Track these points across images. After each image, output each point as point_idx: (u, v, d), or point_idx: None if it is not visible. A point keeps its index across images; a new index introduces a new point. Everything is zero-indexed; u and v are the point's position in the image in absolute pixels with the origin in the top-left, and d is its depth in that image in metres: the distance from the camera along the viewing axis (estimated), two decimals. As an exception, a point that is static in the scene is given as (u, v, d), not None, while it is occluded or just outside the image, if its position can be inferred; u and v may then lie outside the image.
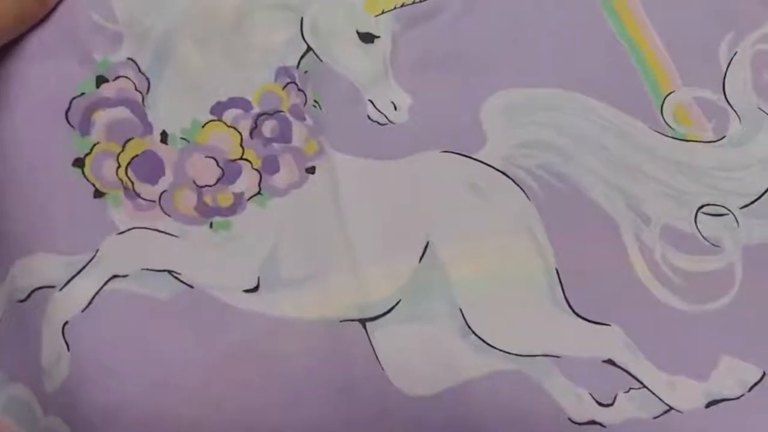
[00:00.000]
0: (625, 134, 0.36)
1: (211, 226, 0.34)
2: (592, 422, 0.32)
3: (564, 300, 0.34)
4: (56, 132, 0.34)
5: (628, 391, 0.33)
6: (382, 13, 0.36)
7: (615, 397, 0.33)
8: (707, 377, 0.33)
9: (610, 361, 0.33)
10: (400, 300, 0.33)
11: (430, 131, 0.35)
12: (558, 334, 0.34)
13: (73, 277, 0.33)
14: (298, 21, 0.36)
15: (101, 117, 0.34)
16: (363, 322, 0.33)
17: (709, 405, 0.33)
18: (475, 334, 0.33)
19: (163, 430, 0.32)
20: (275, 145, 0.35)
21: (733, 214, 0.35)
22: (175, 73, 0.35)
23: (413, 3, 0.37)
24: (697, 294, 0.34)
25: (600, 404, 0.33)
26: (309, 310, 0.33)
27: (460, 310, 0.33)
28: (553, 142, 0.35)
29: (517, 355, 0.33)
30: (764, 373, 0.33)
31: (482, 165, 0.35)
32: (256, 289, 0.34)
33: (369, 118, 0.35)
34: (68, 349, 0.32)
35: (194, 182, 0.34)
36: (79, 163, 0.34)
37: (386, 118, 0.35)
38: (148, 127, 0.35)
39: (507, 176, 0.35)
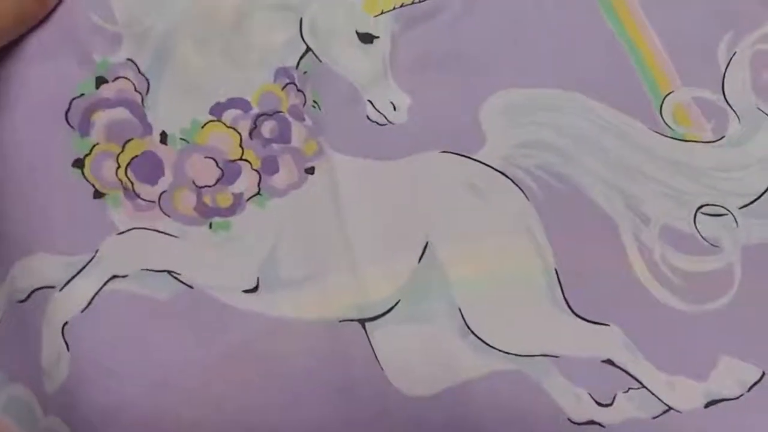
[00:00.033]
0: (624, 135, 0.36)
1: (210, 226, 0.34)
2: (591, 422, 0.32)
3: (563, 300, 0.34)
4: (56, 133, 0.34)
5: (627, 391, 0.33)
6: (382, 13, 0.36)
7: (614, 397, 0.33)
8: (706, 377, 0.33)
9: (609, 361, 0.33)
10: (399, 300, 0.33)
11: (429, 131, 0.35)
12: (557, 334, 0.34)
13: (72, 278, 0.33)
14: (298, 21, 0.36)
15: (101, 118, 0.34)
16: (362, 322, 0.33)
17: (708, 405, 0.33)
18: (474, 334, 0.33)
19: (163, 430, 0.32)
20: (274, 145, 0.35)
21: (732, 214, 0.35)
22: (174, 74, 0.35)
23: (412, 3, 0.37)
24: (696, 294, 0.34)
25: (599, 404, 0.33)
26: (308, 311, 0.33)
27: (459, 310, 0.33)
28: (553, 143, 0.35)
29: (516, 355, 0.33)
30: (763, 373, 0.33)
31: (481, 165, 0.35)
32: (255, 289, 0.34)
33: (368, 118, 0.36)
34: (68, 349, 0.32)
35: (194, 183, 0.34)
36: (78, 163, 0.34)
37: (385, 118, 0.36)
38: (147, 128, 0.35)
39: (506, 176, 0.35)
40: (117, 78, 0.35)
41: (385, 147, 0.35)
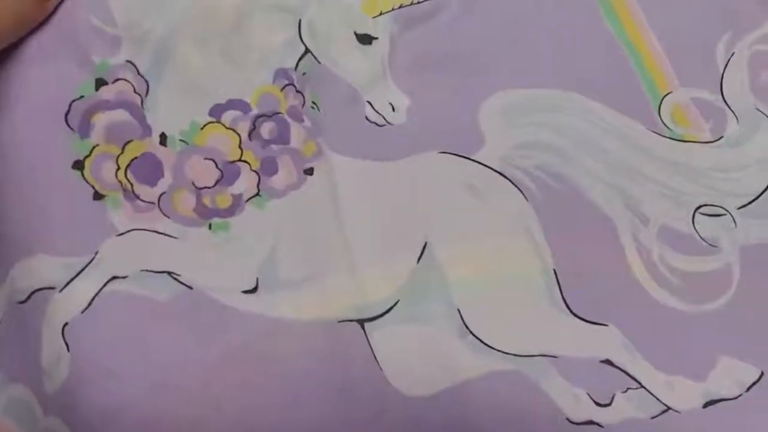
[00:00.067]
0: (623, 135, 0.36)
1: (210, 227, 0.34)
2: (590, 422, 0.32)
3: (562, 300, 0.34)
4: (56, 134, 0.34)
5: (625, 391, 0.33)
6: (380, 14, 0.36)
7: (613, 397, 0.33)
8: (705, 377, 0.33)
9: (608, 362, 0.33)
10: (398, 301, 0.34)
11: (428, 132, 0.35)
12: (556, 335, 0.34)
13: (72, 279, 0.33)
14: (296, 23, 0.36)
15: (100, 119, 0.35)
16: (361, 322, 0.33)
17: (707, 405, 0.33)
18: (473, 335, 0.33)
19: (163, 431, 0.32)
20: (274, 146, 0.35)
21: (730, 214, 0.35)
22: (174, 75, 0.35)
23: (411, 4, 0.37)
24: (694, 294, 0.34)
25: (598, 404, 0.33)
26: (307, 311, 0.33)
27: (458, 310, 0.33)
28: (552, 143, 0.36)
29: (514, 355, 0.33)
30: (762, 373, 0.33)
31: (480, 166, 0.35)
32: (254, 290, 0.34)
33: (367, 119, 0.36)
34: (68, 350, 0.32)
35: (193, 184, 0.34)
36: (78, 165, 0.34)
37: (384, 119, 0.36)
38: (147, 130, 0.35)
39: (505, 177, 0.35)
40: (116, 80, 0.35)
41: (384, 148, 0.35)
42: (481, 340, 0.33)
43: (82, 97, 0.35)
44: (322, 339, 0.33)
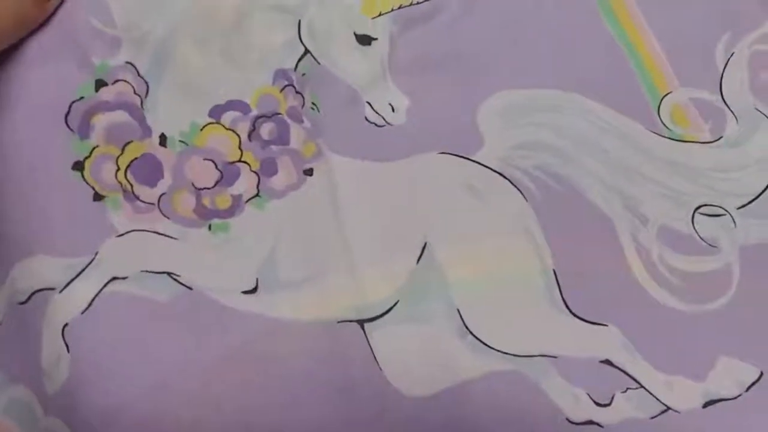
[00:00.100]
0: (623, 136, 0.36)
1: (209, 228, 0.34)
2: (590, 422, 0.32)
3: (561, 301, 0.34)
4: (56, 136, 0.34)
5: (625, 391, 0.33)
6: (380, 15, 0.36)
7: (612, 397, 0.33)
8: (705, 377, 0.33)
9: (608, 362, 0.33)
10: (397, 301, 0.34)
11: (427, 133, 0.35)
12: (555, 335, 0.34)
13: (72, 280, 0.33)
14: (296, 24, 0.36)
15: (100, 120, 0.35)
16: (361, 323, 0.33)
17: (706, 405, 0.33)
18: (473, 335, 0.33)
19: (163, 431, 0.32)
20: (273, 147, 0.35)
21: (730, 214, 0.35)
22: (174, 76, 0.35)
23: (411, 5, 0.37)
24: (694, 294, 0.34)
25: (597, 404, 0.33)
26: (307, 312, 0.33)
27: (458, 310, 0.34)
28: (552, 144, 0.36)
29: (514, 355, 0.33)
30: (762, 373, 0.33)
31: (479, 166, 0.35)
32: (254, 290, 0.34)
33: (367, 120, 0.36)
34: (68, 350, 0.32)
35: (193, 185, 0.35)
36: (78, 166, 0.34)
37: (384, 120, 0.36)
38: (146, 131, 0.35)
39: (504, 177, 0.35)
40: (116, 81, 0.35)
41: (383, 148, 0.35)
42: (480, 341, 0.33)
43: (82, 98, 0.35)
44: (321, 339, 0.33)
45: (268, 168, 0.35)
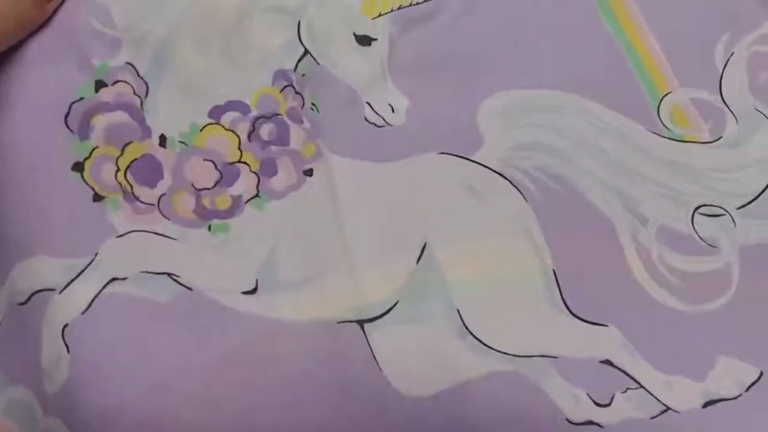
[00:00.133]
0: (622, 136, 0.36)
1: (209, 228, 0.34)
2: (590, 422, 0.32)
3: (561, 301, 0.34)
4: (56, 136, 0.34)
5: (625, 392, 0.33)
6: (379, 15, 0.36)
7: (612, 398, 0.33)
8: (704, 377, 0.33)
9: (608, 362, 0.33)
10: (397, 301, 0.34)
11: (427, 133, 0.35)
12: (555, 335, 0.34)
13: (72, 280, 0.33)
14: (296, 24, 0.36)
15: (100, 121, 0.35)
16: (360, 323, 0.33)
17: (706, 405, 0.33)
18: (473, 335, 0.33)
19: (163, 432, 0.33)
20: (273, 147, 0.35)
21: (729, 214, 0.35)
22: (173, 77, 0.35)
23: (410, 5, 0.37)
24: (694, 294, 0.34)
25: (597, 404, 0.33)
26: (306, 312, 0.33)
27: (458, 311, 0.34)
28: (552, 144, 0.36)
29: (514, 355, 0.33)
30: (761, 373, 0.33)
31: (479, 167, 0.35)
32: (254, 291, 0.34)
33: (366, 120, 0.36)
34: (68, 351, 0.33)
35: (192, 185, 0.35)
36: (78, 167, 0.34)
37: (383, 120, 0.36)
38: (146, 131, 0.35)
39: (504, 178, 0.35)
40: (116, 82, 0.35)
41: (383, 149, 0.35)
42: (480, 341, 0.33)
43: (81, 99, 0.35)
44: (321, 340, 0.33)
45: (268, 168, 0.35)
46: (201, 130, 0.35)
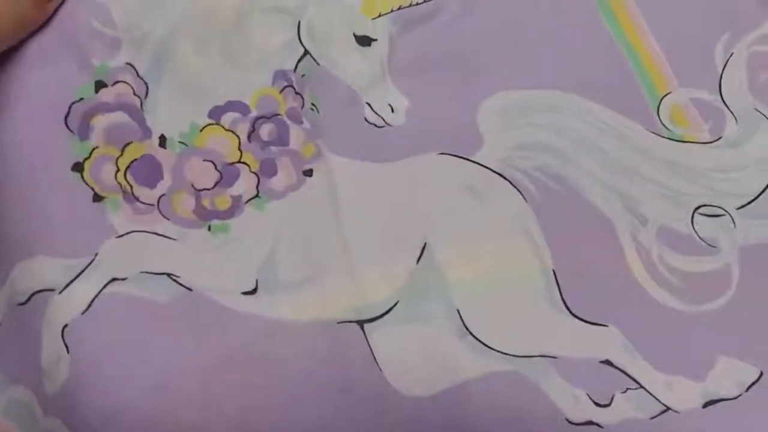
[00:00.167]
0: (622, 136, 0.36)
1: (209, 229, 0.34)
2: (590, 423, 0.32)
3: (561, 301, 0.34)
4: (55, 137, 0.34)
5: (625, 392, 0.33)
6: (379, 16, 0.37)
7: (612, 398, 0.33)
8: (704, 377, 0.33)
9: (608, 362, 0.33)
10: (397, 302, 0.34)
11: (427, 133, 0.35)
12: (555, 335, 0.34)
13: (72, 281, 0.33)
14: (296, 24, 0.36)
15: (100, 122, 0.35)
16: (360, 323, 0.33)
17: (706, 405, 0.33)
18: (473, 335, 0.33)
19: (163, 432, 0.33)
20: (273, 148, 0.35)
21: (729, 214, 0.35)
22: (173, 77, 0.35)
23: (410, 6, 0.37)
24: (694, 294, 0.34)
25: (597, 405, 0.33)
26: (306, 313, 0.33)
27: (458, 311, 0.34)
28: (552, 144, 0.36)
29: (514, 356, 0.33)
30: (761, 373, 0.33)
31: (479, 167, 0.35)
32: (254, 291, 0.34)
33: (366, 120, 0.36)
34: (68, 351, 0.33)
35: (192, 186, 0.35)
36: (78, 167, 0.34)
37: (383, 120, 0.36)
38: (146, 132, 0.35)
39: (504, 178, 0.35)
40: (116, 82, 0.35)
41: (383, 149, 0.35)
42: (480, 341, 0.33)
43: (81, 99, 0.35)
44: (321, 340, 0.33)
45: (268, 169, 0.35)
46: (201, 131, 0.35)
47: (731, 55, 0.37)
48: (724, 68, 0.36)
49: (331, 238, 0.34)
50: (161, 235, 0.34)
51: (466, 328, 0.33)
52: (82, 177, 0.34)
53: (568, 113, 0.36)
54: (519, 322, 0.34)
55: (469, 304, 0.34)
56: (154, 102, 0.35)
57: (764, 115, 0.36)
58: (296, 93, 0.36)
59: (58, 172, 0.34)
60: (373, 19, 0.36)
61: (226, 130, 0.35)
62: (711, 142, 0.36)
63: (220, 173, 0.35)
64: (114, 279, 0.33)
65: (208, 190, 0.35)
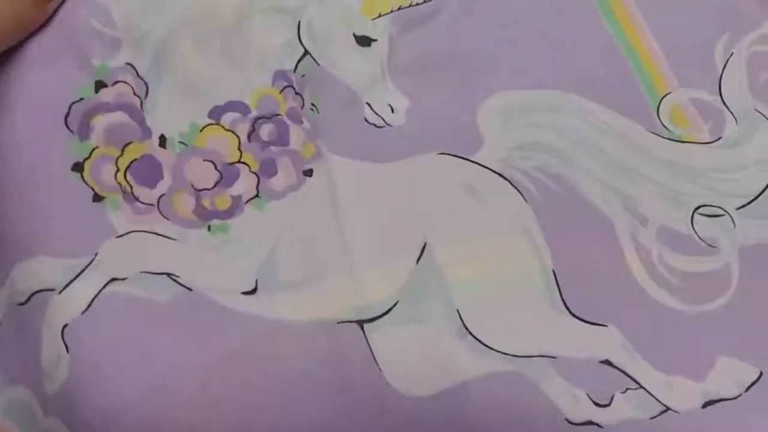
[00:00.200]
0: (622, 136, 0.36)
1: (209, 229, 0.34)
2: (589, 423, 0.32)
3: (561, 301, 0.34)
4: (55, 137, 0.34)
5: (625, 392, 0.33)
6: (379, 16, 0.37)
7: (612, 398, 0.33)
8: (704, 377, 0.33)
9: (607, 362, 0.33)
10: (397, 302, 0.34)
11: (427, 134, 0.35)
12: (555, 335, 0.34)
13: (72, 280, 0.33)
14: (296, 24, 0.36)
15: (100, 122, 0.35)
16: (360, 323, 0.33)
17: (706, 405, 0.33)
18: (473, 335, 0.33)
19: (162, 432, 0.33)
20: (273, 148, 0.35)
21: (729, 215, 0.35)
22: (173, 77, 0.35)
23: (410, 6, 0.37)
24: (694, 294, 0.34)
25: (597, 405, 0.33)
26: (306, 313, 0.33)
27: (458, 311, 0.34)
28: (552, 144, 0.36)
29: (514, 356, 0.33)
30: (761, 373, 0.33)
31: (479, 167, 0.35)
32: (254, 291, 0.34)
33: (366, 121, 0.36)
34: (68, 351, 0.33)
35: (192, 186, 0.35)
36: (78, 167, 0.34)
37: (383, 120, 0.36)
38: (146, 132, 0.35)
39: (504, 178, 0.35)
40: (116, 82, 0.35)
41: (383, 149, 0.35)
42: (480, 341, 0.33)
43: (81, 99, 0.35)
44: (321, 340, 0.33)
45: (268, 169, 0.35)
46: (201, 131, 0.35)
47: (731, 55, 0.37)
48: (724, 68, 0.36)
49: (331, 238, 0.34)
50: (161, 235, 0.34)
51: (466, 328, 0.33)
52: (82, 177, 0.34)
53: (568, 113, 0.36)
54: (519, 322, 0.34)
55: (469, 304, 0.34)
56: (154, 102, 0.35)
57: (764, 116, 0.36)
58: (296, 93, 0.36)
59: (58, 172, 0.34)
60: (373, 19, 0.36)
61: (226, 130, 0.35)
62: (711, 143, 0.36)
63: (220, 173, 0.35)
64: (114, 279, 0.33)
65: (208, 190, 0.35)
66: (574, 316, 0.34)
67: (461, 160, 0.35)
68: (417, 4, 0.37)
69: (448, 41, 0.37)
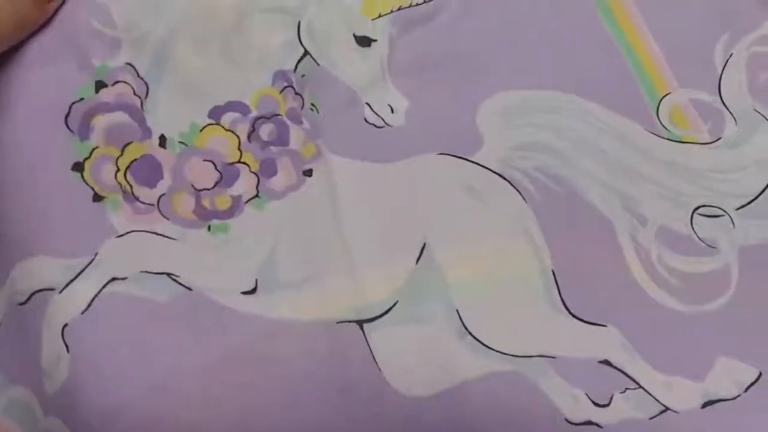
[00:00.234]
0: (621, 136, 0.36)
1: (209, 229, 0.34)
2: (589, 423, 0.32)
3: (560, 301, 0.34)
4: (56, 137, 0.34)
5: (624, 392, 0.33)
6: (379, 16, 0.37)
7: (611, 398, 0.33)
8: (704, 378, 0.33)
9: (607, 362, 0.33)
10: (397, 302, 0.34)
11: (427, 134, 0.36)
12: (554, 335, 0.34)
13: (72, 280, 0.33)
14: (296, 24, 0.36)
15: (100, 122, 0.35)
16: (360, 323, 0.33)
17: (705, 405, 0.33)
18: (472, 335, 0.33)
19: (162, 432, 0.33)
20: (273, 148, 0.35)
21: (729, 215, 0.35)
22: (173, 77, 0.35)
23: (410, 6, 0.37)
24: (693, 295, 0.34)
25: (596, 405, 0.33)
26: (306, 312, 0.33)
27: (457, 311, 0.34)
28: (551, 145, 0.36)
29: (513, 356, 0.33)
30: (760, 374, 0.33)
31: (479, 167, 0.35)
32: (253, 291, 0.34)
33: (366, 121, 0.36)
34: (68, 351, 0.33)
35: (192, 186, 0.35)
36: (78, 167, 0.34)
37: (383, 121, 0.36)
38: (146, 132, 0.35)
39: (504, 178, 0.35)
40: (116, 82, 0.35)
41: (382, 149, 0.35)
42: (480, 341, 0.33)
43: (81, 99, 0.35)
44: (321, 340, 0.33)
45: (268, 169, 0.35)
46: (201, 131, 0.35)
47: (731, 55, 0.37)
48: (723, 69, 0.36)
49: (331, 238, 0.34)
50: (161, 234, 0.34)
51: (466, 328, 0.33)
52: (82, 177, 0.34)
53: (567, 113, 0.36)
54: (518, 322, 0.34)
55: (469, 304, 0.34)
56: (154, 102, 0.35)
57: (763, 116, 0.36)
58: (296, 93, 0.36)
59: (58, 172, 0.34)
60: (373, 19, 0.37)
61: (226, 130, 0.35)
62: (710, 143, 0.36)
63: (220, 173, 0.35)
64: (114, 278, 0.33)
65: (208, 190, 0.35)
66: (574, 316, 0.34)
67: (461, 160, 0.35)
68: (417, 5, 0.37)
69: (448, 41, 0.37)
